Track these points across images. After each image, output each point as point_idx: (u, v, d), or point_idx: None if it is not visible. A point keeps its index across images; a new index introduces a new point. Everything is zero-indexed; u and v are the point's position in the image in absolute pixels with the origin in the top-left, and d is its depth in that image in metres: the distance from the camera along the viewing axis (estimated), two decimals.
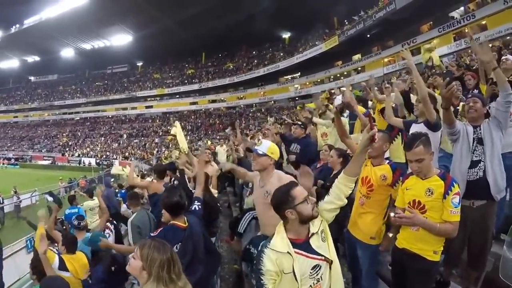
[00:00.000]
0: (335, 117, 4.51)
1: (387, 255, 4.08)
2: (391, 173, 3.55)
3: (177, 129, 6.21)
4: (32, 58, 65.09)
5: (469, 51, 21.96)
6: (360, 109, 6.37)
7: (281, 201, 2.38)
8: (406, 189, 3.26)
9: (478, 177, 3.65)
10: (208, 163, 6.54)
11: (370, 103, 8.01)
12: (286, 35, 49.21)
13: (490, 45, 17.91)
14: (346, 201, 2.62)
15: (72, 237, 4.77)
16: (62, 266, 4.17)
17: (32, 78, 73.16)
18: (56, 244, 5.00)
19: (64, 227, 7.65)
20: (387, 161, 3.83)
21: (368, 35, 33.65)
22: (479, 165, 3.66)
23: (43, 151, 55.90)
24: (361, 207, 3.73)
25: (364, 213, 3.71)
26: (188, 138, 46.19)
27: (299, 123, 6.87)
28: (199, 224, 3.53)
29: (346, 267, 4.11)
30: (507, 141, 4.07)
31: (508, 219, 4.18)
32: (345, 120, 6.88)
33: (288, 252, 2.29)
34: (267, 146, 3.47)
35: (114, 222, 6.33)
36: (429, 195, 3.03)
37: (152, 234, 3.29)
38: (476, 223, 3.61)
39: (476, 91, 5.69)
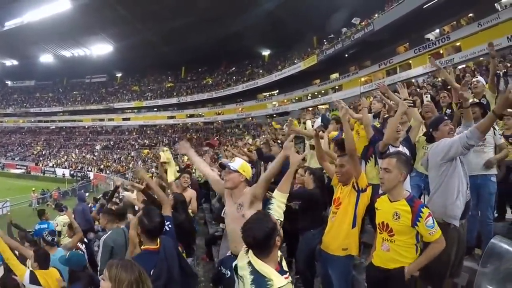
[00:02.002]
0: (315, 140, 4.76)
1: (363, 273, 4.08)
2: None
3: (166, 155, 6.26)
4: (10, 62, 63.29)
5: (448, 70, 22.38)
6: (333, 133, 6.47)
7: (272, 229, 2.28)
8: (377, 209, 3.34)
9: (469, 198, 3.83)
10: (186, 188, 6.56)
11: None
12: (266, 53, 49.37)
13: (464, 65, 18.37)
14: (282, 217, 2.76)
15: (44, 253, 4.66)
16: (34, 280, 4.13)
17: (8, 82, 70.88)
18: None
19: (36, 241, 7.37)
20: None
21: (346, 55, 34.33)
22: (468, 185, 3.79)
23: (16, 159, 54.28)
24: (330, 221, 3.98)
25: (337, 226, 3.89)
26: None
27: (279, 141, 7.37)
28: (172, 244, 3.52)
29: None
30: (477, 164, 4.40)
31: (479, 235, 4.48)
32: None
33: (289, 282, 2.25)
34: (239, 163, 3.52)
35: (85, 241, 6.28)
36: (396, 219, 3.07)
37: None
38: (462, 239, 3.74)
39: (449, 110, 6.00)
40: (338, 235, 3.83)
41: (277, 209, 2.67)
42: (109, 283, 2.15)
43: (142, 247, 3.32)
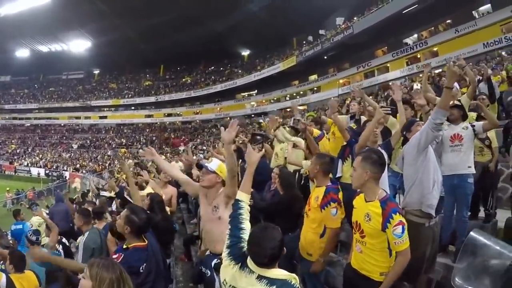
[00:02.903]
0: (305, 134, 5.07)
1: (339, 269, 4.37)
2: (322, 194, 3.82)
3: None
4: None
5: (420, 75, 23.16)
6: (315, 131, 6.53)
7: (282, 239, 2.18)
8: (354, 207, 3.32)
9: (443, 194, 4.13)
10: (167, 183, 6.77)
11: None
12: (245, 53, 49.58)
13: (440, 70, 18.55)
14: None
15: (19, 254, 4.48)
16: (10, 286, 3.97)
17: None
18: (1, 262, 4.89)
19: (11, 243, 7.43)
20: (330, 183, 4.01)
21: (325, 57, 34.83)
22: (441, 183, 3.93)
23: None
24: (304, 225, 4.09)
25: (306, 231, 4.01)
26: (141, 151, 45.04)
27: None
28: (155, 240, 3.55)
29: None
30: (454, 164, 4.55)
31: (454, 232, 4.63)
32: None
33: None
34: (217, 164, 3.57)
35: (63, 240, 6.11)
36: (367, 220, 3.03)
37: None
38: (436, 237, 3.83)
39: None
40: (307, 239, 4.00)
41: (247, 212, 2.61)
42: (89, 281, 2.15)
43: (130, 245, 3.28)
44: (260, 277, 2.11)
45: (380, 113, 4.55)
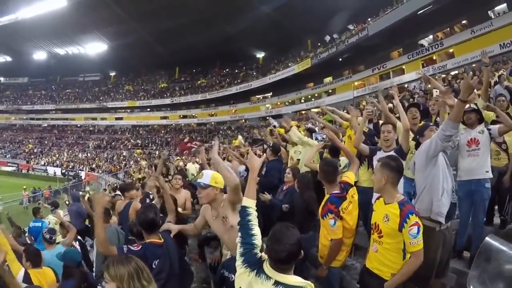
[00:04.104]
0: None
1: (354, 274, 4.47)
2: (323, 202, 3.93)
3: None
4: (3, 58, 62.41)
5: (436, 77, 22.74)
6: None
7: (299, 238, 2.19)
8: (374, 210, 3.43)
9: (455, 200, 4.00)
10: (179, 189, 6.57)
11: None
12: (260, 55, 49.53)
13: (457, 71, 18.28)
14: None
15: (35, 250, 4.52)
16: (27, 280, 3.93)
17: (1, 78, 69.97)
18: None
19: (27, 240, 7.56)
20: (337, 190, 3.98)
21: (340, 59, 34.51)
22: (454, 189, 3.97)
23: (7, 156, 53.56)
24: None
25: (321, 234, 4.08)
26: (157, 153, 45.54)
27: (270, 145, 7.41)
28: (172, 240, 3.64)
29: None
30: (472, 168, 4.47)
31: (470, 238, 4.56)
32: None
33: None
34: (209, 177, 3.43)
35: (80, 238, 6.25)
36: (385, 221, 3.14)
37: (132, 248, 3.28)
38: (448, 242, 3.88)
39: (439, 118, 5.84)
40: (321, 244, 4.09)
41: (255, 217, 2.55)
42: (113, 283, 2.19)
43: (147, 240, 3.38)
44: (276, 284, 2.10)
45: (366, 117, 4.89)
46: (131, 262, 2.28)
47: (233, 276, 3.07)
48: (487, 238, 2.43)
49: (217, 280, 3.66)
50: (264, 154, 5.64)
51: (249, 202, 2.58)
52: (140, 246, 3.30)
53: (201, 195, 3.46)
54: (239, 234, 2.43)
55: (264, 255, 2.27)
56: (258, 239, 2.38)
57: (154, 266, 3.22)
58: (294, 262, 2.15)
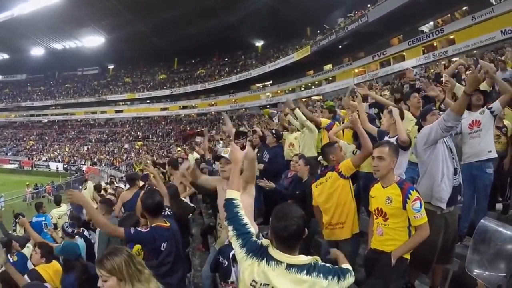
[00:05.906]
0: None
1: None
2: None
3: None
4: (0, 56, 62.13)
5: (437, 63, 23.11)
6: (324, 121, 6.80)
7: (303, 216, 2.21)
8: (372, 197, 3.55)
9: (458, 183, 3.93)
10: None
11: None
12: (259, 43, 49.19)
13: (457, 58, 18.21)
14: None
15: (50, 247, 4.72)
16: (36, 277, 4.11)
17: None
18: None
19: None
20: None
21: (340, 46, 34.21)
22: (458, 171, 3.93)
23: (8, 154, 53.66)
24: None
25: None
26: (158, 144, 45.63)
27: (273, 131, 7.52)
28: (176, 225, 3.69)
29: None
30: (474, 151, 4.53)
31: (473, 223, 4.41)
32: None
33: None
34: None
35: (85, 233, 6.30)
36: (388, 203, 3.27)
37: (141, 230, 3.36)
38: (451, 226, 3.85)
39: (443, 106, 5.89)
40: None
41: (242, 208, 2.48)
42: (112, 277, 2.19)
43: (153, 224, 3.44)
44: (289, 267, 2.09)
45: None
46: (122, 250, 2.30)
47: (226, 262, 3.31)
48: (482, 221, 2.46)
49: (212, 266, 3.78)
50: (247, 147, 5.61)
51: (234, 194, 2.54)
52: (149, 228, 3.38)
53: (224, 168, 3.62)
54: (231, 228, 2.35)
55: (265, 242, 2.25)
56: (251, 227, 2.35)
57: (163, 249, 3.34)
58: (300, 240, 2.16)
